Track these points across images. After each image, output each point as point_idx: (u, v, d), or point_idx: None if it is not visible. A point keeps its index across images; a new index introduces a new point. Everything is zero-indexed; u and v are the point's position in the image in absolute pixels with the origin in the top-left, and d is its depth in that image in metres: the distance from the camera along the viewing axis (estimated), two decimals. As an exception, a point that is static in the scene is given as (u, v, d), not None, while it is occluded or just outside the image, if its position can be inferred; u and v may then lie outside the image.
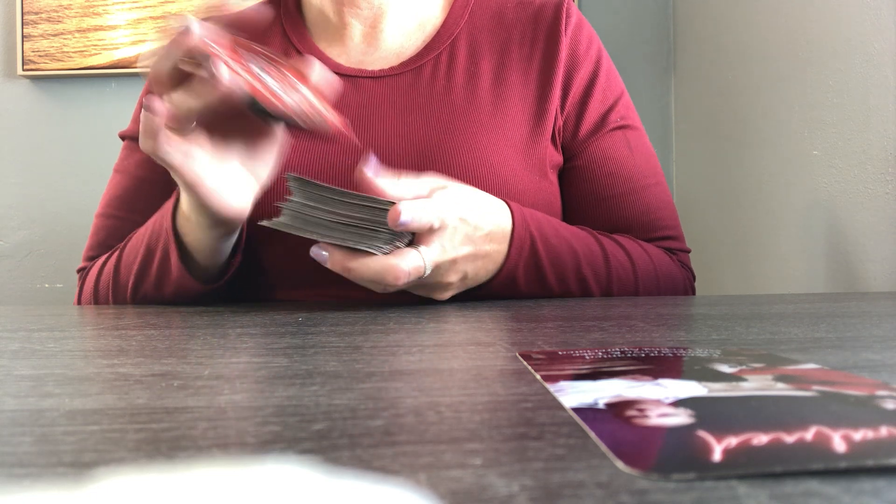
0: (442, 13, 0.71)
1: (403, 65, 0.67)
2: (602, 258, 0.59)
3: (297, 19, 0.72)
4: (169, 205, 0.57)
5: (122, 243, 0.64)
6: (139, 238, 0.60)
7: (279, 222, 0.48)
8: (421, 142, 0.63)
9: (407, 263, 0.46)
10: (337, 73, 0.66)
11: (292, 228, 0.47)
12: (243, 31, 0.47)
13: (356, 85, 0.67)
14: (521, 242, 0.54)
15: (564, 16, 0.69)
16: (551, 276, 0.56)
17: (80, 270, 0.72)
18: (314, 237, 0.47)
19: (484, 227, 0.51)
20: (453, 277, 0.51)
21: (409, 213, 0.45)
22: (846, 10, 0.94)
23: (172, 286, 0.56)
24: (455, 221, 0.49)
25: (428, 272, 0.48)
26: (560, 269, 0.57)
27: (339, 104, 0.65)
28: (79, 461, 0.15)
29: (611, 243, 0.61)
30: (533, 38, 0.68)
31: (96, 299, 0.64)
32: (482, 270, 0.53)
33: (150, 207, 0.69)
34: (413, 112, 0.65)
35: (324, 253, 0.47)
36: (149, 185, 0.70)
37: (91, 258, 0.71)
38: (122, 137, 0.74)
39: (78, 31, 1.53)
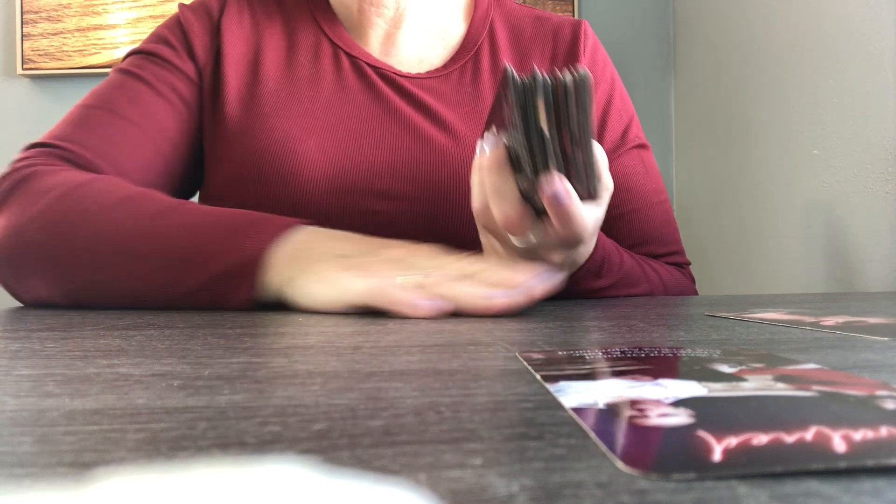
0: (463, 24, 0.73)
1: (431, 73, 0.69)
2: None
3: (326, 6, 0.72)
4: (249, 248, 0.47)
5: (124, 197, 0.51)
6: (175, 237, 0.48)
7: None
8: (444, 148, 0.64)
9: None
10: (366, 63, 0.67)
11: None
12: None
13: (384, 78, 0.68)
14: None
15: (583, 37, 0.71)
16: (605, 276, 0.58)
17: (30, 147, 0.59)
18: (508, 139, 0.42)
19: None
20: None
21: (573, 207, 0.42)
22: (846, 10, 0.94)
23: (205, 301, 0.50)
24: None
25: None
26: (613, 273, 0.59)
27: (365, 97, 0.66)
28: (79, 461, 0.15)
29: (629, 259, 0.63)
30: (553, 57, 0.71)
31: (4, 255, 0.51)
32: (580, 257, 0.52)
33: (167, 139, 0.64)
34: (438, 117, 0.65)
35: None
36: (175, 115, 0.65)
37: (58, 149, 0.57)
38: (137, 52, 0.69)
39: (77, 30, 1.53)
